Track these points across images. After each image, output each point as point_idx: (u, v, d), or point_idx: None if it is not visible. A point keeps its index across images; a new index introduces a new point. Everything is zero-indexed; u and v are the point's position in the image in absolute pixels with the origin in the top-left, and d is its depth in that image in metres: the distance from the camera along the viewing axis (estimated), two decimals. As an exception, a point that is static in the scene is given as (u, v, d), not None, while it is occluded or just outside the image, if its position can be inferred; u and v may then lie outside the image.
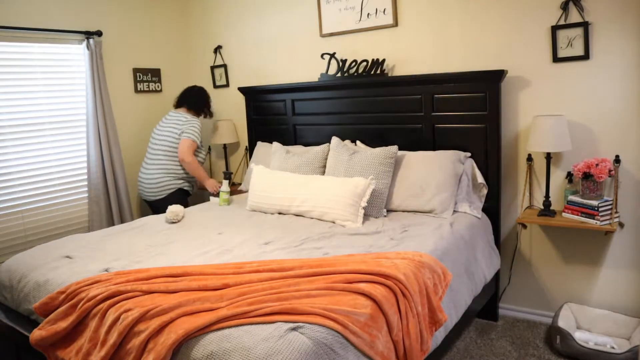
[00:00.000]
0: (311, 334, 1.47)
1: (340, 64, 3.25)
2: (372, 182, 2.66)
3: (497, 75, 2.68)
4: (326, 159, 3.12)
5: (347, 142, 3.24)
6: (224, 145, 4.08)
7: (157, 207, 3.48)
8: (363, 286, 1.71)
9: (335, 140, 3.13)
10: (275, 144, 3.39)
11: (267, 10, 3.73)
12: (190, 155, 3.41)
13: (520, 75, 2.76)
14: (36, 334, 1.83)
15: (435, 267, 2.03)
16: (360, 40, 3.30)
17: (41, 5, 3.26)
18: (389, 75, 3.18)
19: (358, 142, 3.23)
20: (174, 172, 3.48)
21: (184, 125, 3.47)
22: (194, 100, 3.63)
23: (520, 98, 2.79)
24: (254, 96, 3.77)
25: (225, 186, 3.27)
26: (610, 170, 2.47)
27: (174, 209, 2.86)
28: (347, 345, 1.53)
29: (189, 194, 3.65)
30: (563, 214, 2.62)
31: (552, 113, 2.69)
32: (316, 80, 3.50)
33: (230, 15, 3.97)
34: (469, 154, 2.86)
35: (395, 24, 3.12)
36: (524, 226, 2.90)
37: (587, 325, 2.70)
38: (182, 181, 3.53)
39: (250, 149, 3.87)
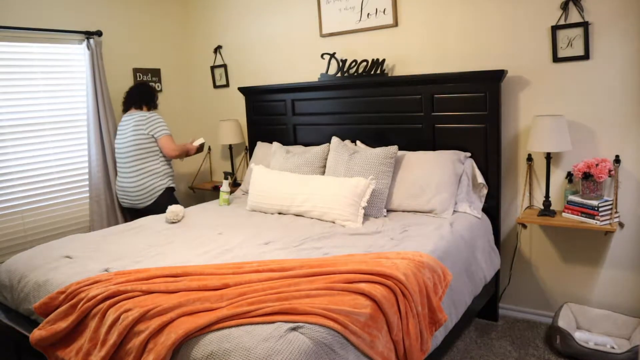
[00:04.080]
0: (311, 334, 1.47)
1: (340, 64, 3.25)
2: (372, 182, 2.66)
3: (497, 75, 2.68)
4: (326, 159, 3.12)
5: (347, 142, 3.24)
6: (230, 145, 4.04)
7: (147, 212, 3.30)
8: (363, 286, 1.71)
9: (335, 140, 3.13)
10: (275, 144, 3.39)
11: (267, 10, 3.73)
12: (175, 146, 3.36)
13: (520, 75, 2.76)
14: (36, 334, 1.83)
15: (435, 267, 2.03)
16: (360, 40, 3.30)
17: (41, 5, 3.26)
18: (389, 75, 3.18)
19: (358, 142, 3.23)
20: (157, 172, 3.34)
21: (147, 126, 3.30)
22: (137, 99, 3.46)
23: (520, 98, 2.78)
24: (254, 96, 3.77)
25: (225, 186, 3.27)
26: (610, 170, 2.47)
27: (174, 209, 2.86)
28: (347, 345, 1.53)
29: (174, 189, 3.52)
30: (563, 214, 2.62)
31: (552, 113, 2.69)
32: (316, 80, 3.50)
33: (230, 15, 3.97)
34: (469, 154, 2.86)
35: (395, 24, 3.12)
36: (524, 226, 2.89)
37: (587, 325, 2.70)
38: (168, 179, 3.40)
39: (250, 149, 3.87)
